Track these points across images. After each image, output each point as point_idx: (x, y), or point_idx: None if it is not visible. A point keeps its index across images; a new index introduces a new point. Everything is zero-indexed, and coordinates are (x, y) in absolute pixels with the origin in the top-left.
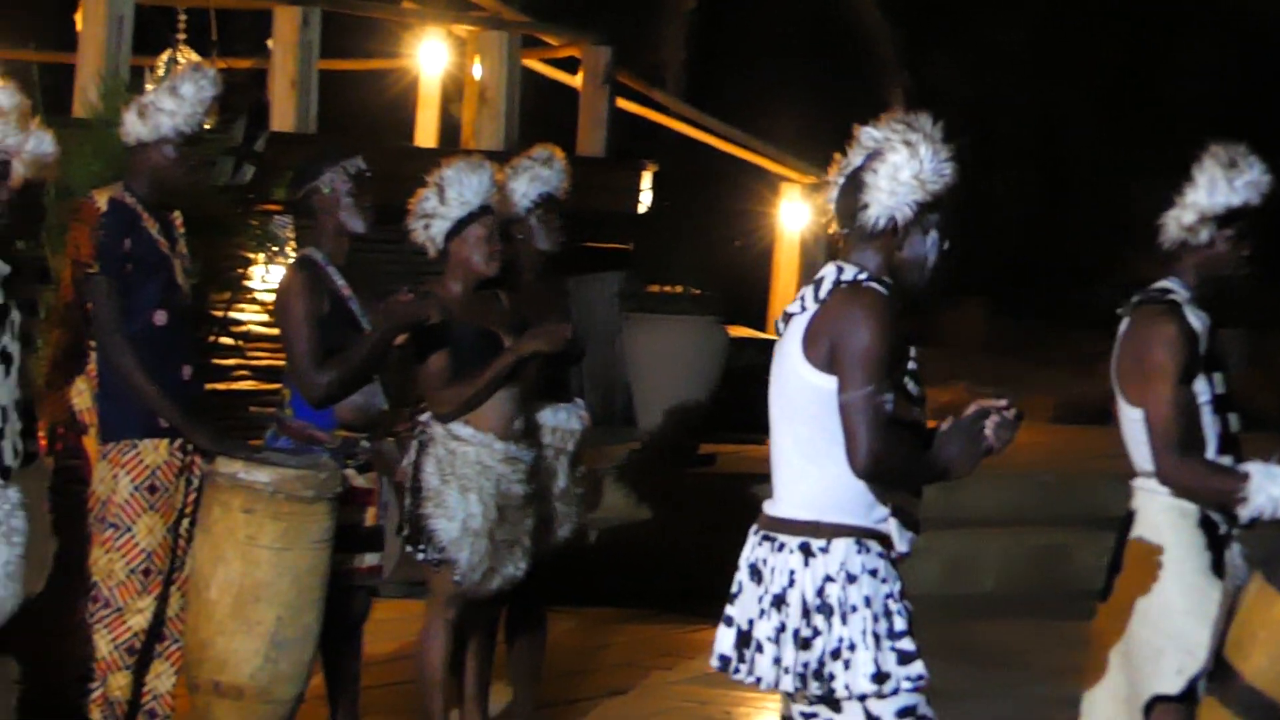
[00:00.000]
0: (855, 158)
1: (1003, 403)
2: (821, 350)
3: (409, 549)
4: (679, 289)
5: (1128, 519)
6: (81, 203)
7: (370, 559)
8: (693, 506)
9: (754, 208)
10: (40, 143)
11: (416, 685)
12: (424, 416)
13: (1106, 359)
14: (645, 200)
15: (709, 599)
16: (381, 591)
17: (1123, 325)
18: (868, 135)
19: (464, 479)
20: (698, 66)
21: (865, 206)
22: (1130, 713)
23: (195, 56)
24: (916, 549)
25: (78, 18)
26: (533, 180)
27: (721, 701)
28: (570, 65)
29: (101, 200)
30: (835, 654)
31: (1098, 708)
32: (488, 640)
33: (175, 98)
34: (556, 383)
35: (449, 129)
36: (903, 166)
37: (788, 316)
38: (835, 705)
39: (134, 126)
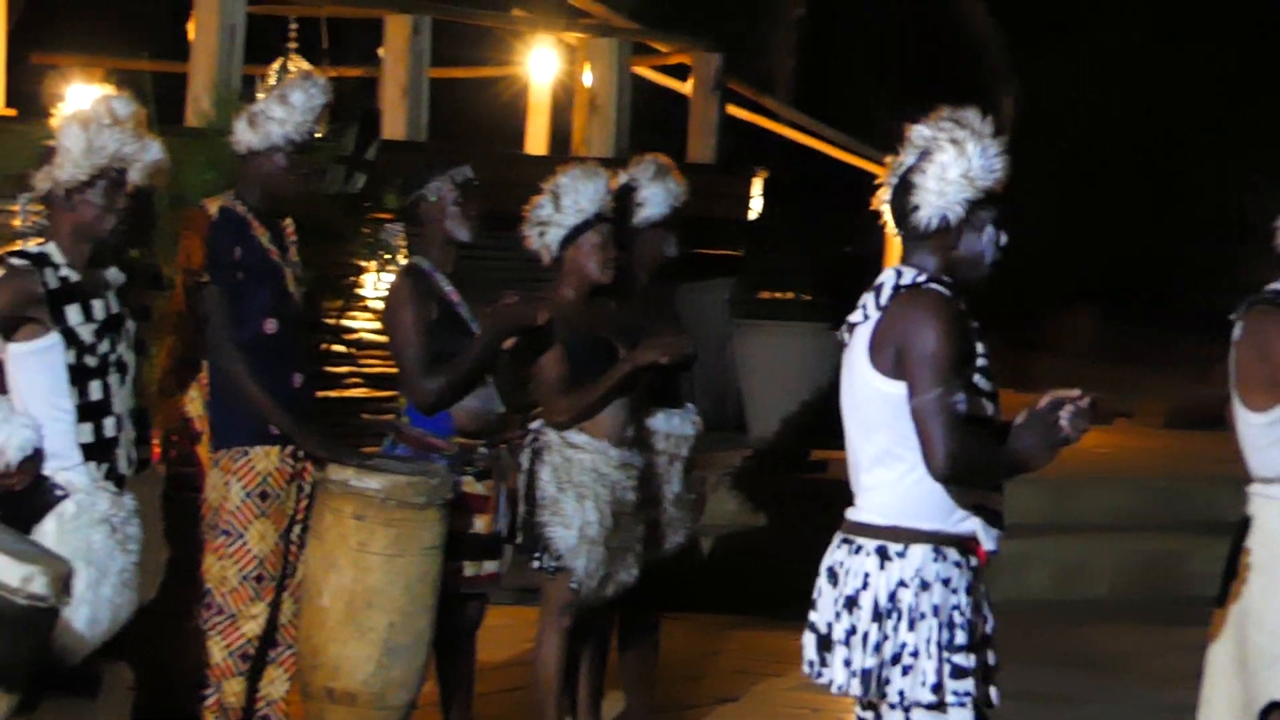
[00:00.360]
0: (907, 158)
1: (1076, 392)
2: (888, 357)
3: (523, 557)
4: (789, 295)
5: (1243, 525)
6: (193, 211)
7: (489, 566)
8: (803, 513)
9: (864, 214)
10: (154, 151)
11: (530, 692)
12: (538, 424)
13: (1219, 364)
14: (756, 207)
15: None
16: (494, 598)
17: (1236, 330)
18: (918, 134)
19: (580, 486)
20: (807, 72)
21: (916, 208)
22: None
23: (306, 65)
24: (1028, 555)
25: (190, 27)
26: (667, 191)
27: (832, 708)
28: (680, 72)
29: (212, 209)
30: (896, 659)
31: (1213, 714)
32: (601, 647)
33: (285, 106)
34: (669, 389)
35: (559, 136)
36: (950, 165)
37: (851, 326)
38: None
39: (244, 135)
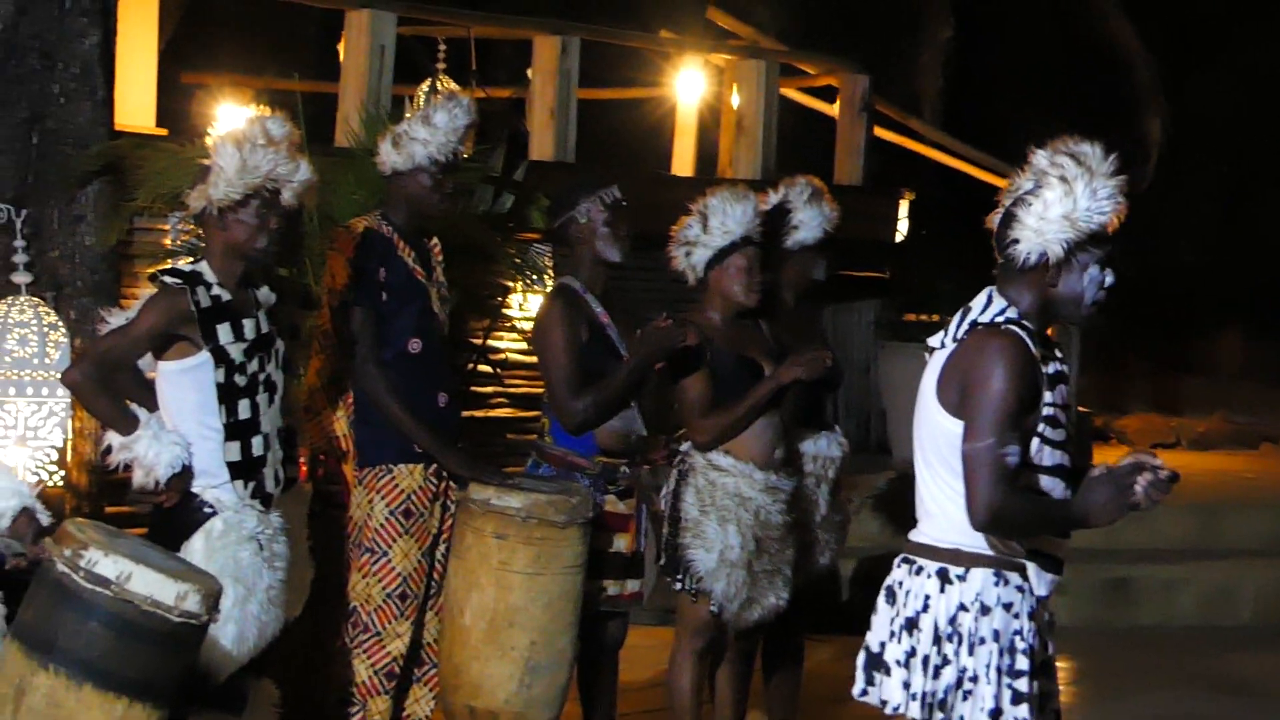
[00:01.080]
0: (1024, 183)
1: (1159, 462)
2: (952, 393)
3: (666, 578)
4: (935, 317)
5: None
6: (339, 231)
7: (631, 585)
8: None
9: None
10: (305, 171)
11: (667, 714)
12: (684, 446)
13: None
14: (902, 228)
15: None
16: (636, 618)
17: None
18: (1036, 163)
19: (723, 510)
20: (954, 93)
21: (1015, 241)
22: None
23: (455, 86)
24: (1175, 580)
25: (340, 48)
26: (822, 213)
27: None
28: (827, 93)
29: (358, 229)
30: (958, 684)
31: None
32: (744, 669)
33: (428, 127)
34: (816, 410)
35: (705, 157)
36: (1054, 204)
37: (931, 350)
38: None
39: (389, 155)
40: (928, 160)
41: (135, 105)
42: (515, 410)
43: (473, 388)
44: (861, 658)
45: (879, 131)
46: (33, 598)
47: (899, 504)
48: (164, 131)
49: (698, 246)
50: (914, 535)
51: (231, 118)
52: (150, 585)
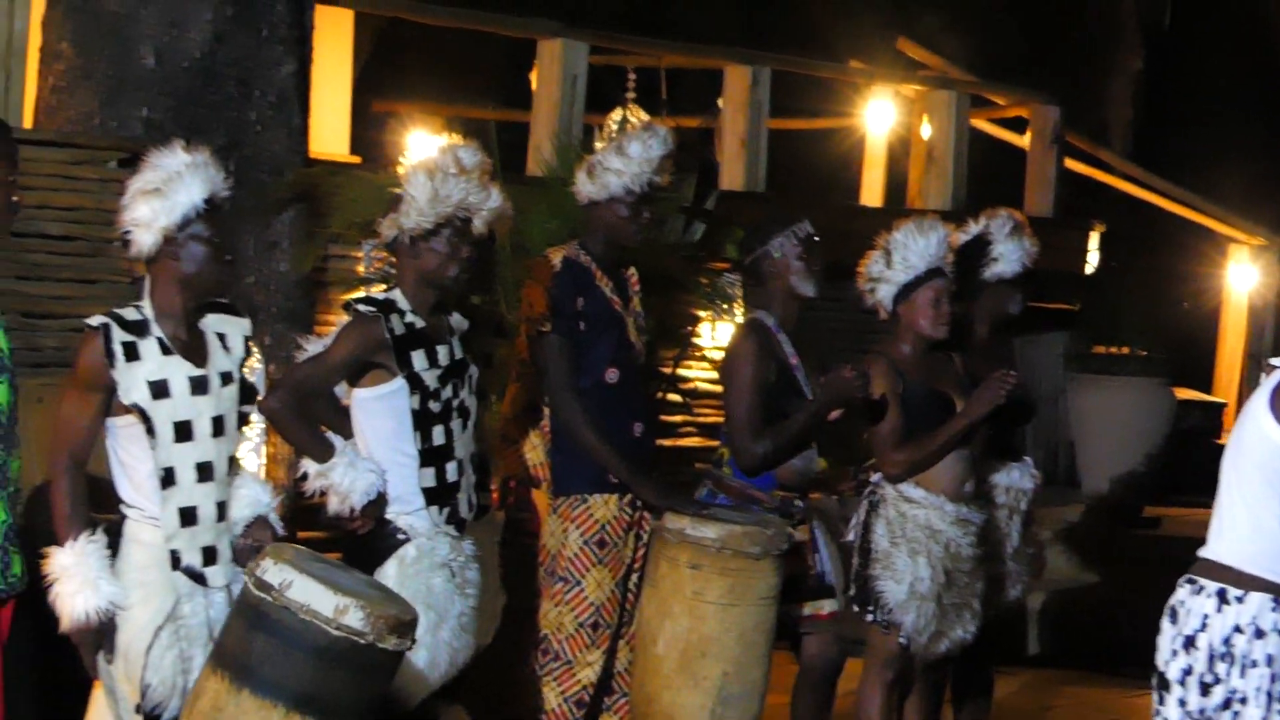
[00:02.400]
0: None
1: None
2: None
3: (856, 609)
4: (1125, 350)
5: None
6: (536, 261)
7: (827, 605)
8: (1136, 570)
9: (1201, 269)
10: (497, 200)
11: None
12: (875, 477)
13: None
14: (1092, 261)
15: (1152, 663)
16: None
17: None
18: None
19: (913, 542)
20: (1145, 125)
21: None
22: None
23: (645, 115)
24: None
25: (533, 77)
26: (1023, 247)
27: None
28: (1017, 124)
29: (555, 259)
30: (1225, 705)
31: None
32: (933, 700)
33: (623, 157)
34: (1008, 442)
35: (895, 188)
36: None
37: (1270, 367)
38: None
39: (584, 185)
40: (1117, 192)
41: (329, 133)
42: (704, 439)
43: (662, 417)
44: (1155, 678)
45: (1069, 163)
46: (230, 610)
47: (1087, 538)
48: (357, 159)
49: (883, 282)
50: (1201, 552)
51: (423, 146)
52: (309, 594)
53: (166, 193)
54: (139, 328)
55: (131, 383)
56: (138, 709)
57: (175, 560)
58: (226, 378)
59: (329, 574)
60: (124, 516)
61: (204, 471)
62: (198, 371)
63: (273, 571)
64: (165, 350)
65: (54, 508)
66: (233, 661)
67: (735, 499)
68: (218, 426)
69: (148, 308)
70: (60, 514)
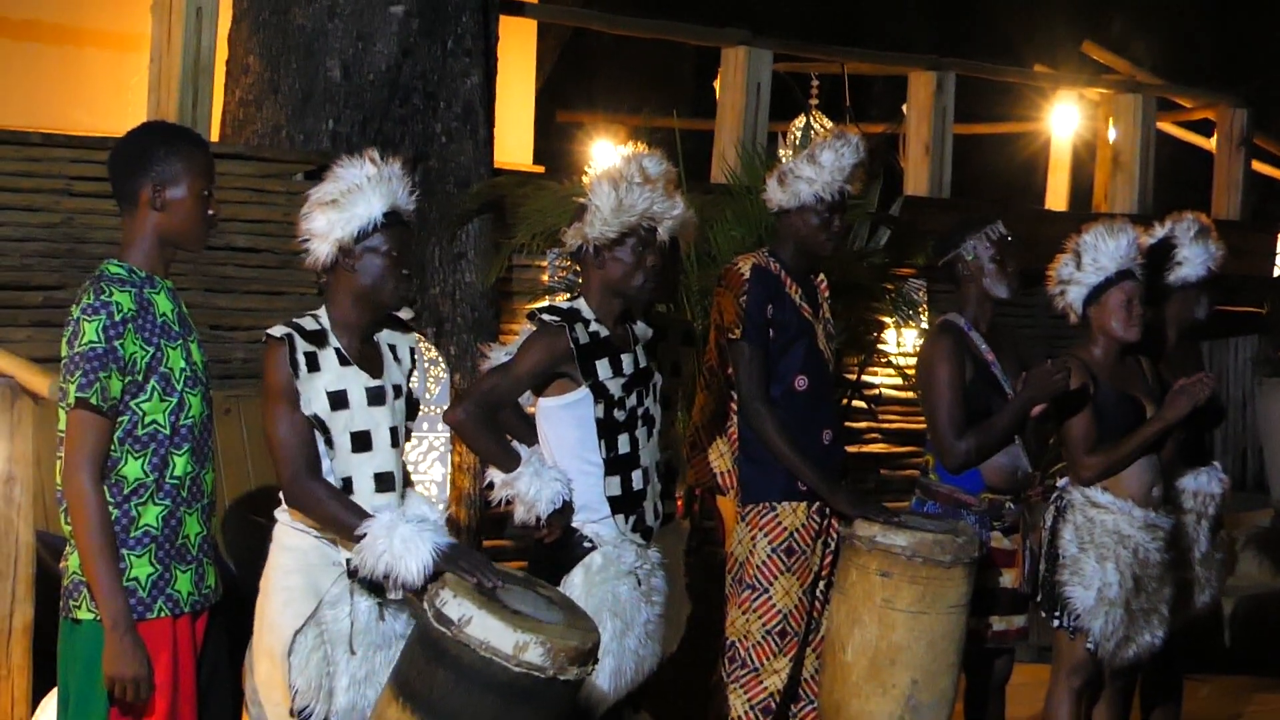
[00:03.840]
0: None
1: None
2: None
3: (1044, 615)
4: None
5: None
6: (725, 269)
7: (1017, 621)
8: None
9: None
10: (682, 209)
11: None
12: (1063, 482)
13: None
14: None
15: None
16: (1017, 655)
17: None
18: None
19: (1101, 547)
20: None
21: None
22: None
23: (829, 122)
24: None
25: (716, 85)
26: (1211, 250)
27: None
28: (1204, 127)
29: (745, 266)
30: None
31: None
32: (1122, 707)
33: (814, 165)
34: (1196, 446)
35: (1080, 192)
36: None
37: None
38: None
39: (775, 193)
40: None
41: (514, 144)
42: (889, 446)
43: (847, 423)
44: None
45: (1258, 166)
46: (410, 636)
47: (1278, 544)
48: (541, 169)
49: (1072, 284)
50: None
51: (607, 155)
52: (488, 631)
53: (344, 204)
54: (318, 338)
55: (312, 393)
56: (293, 713)
57: (352, 572)
58: (399, 390)
59: (509, 598)
60: (275, 520)
61: (382, 482)
62: (374, 382)
63: (452, 605)
64: (343, 361)
65: (328, 522)
66: (415, 693)
67: (944, 504)
68: (394, 437)
69: (325, 318)
70: (336, 519)
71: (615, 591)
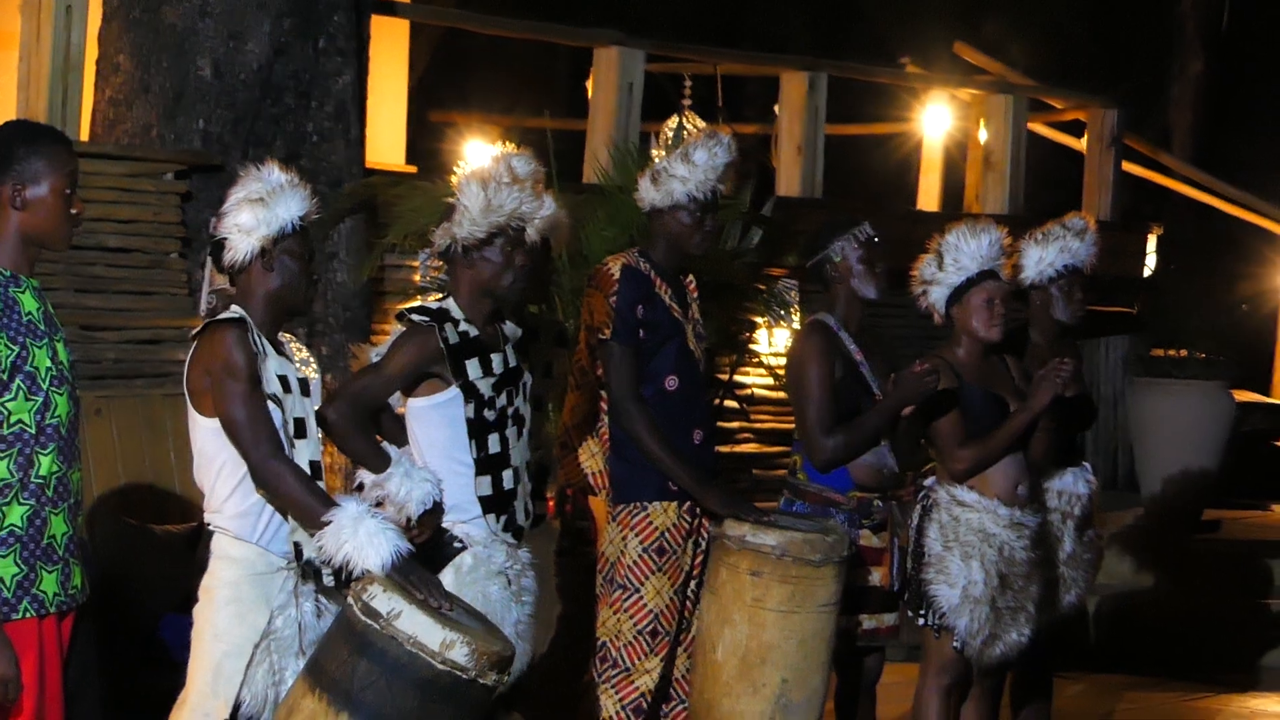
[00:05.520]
0: None
1: None
2: None
3: (910, 613)
4: (1185, 353)
5: None
6: (596, 269)
7: (888, 619)
8: (1196, 574)
9: (1261, 270)
10: (552, 209)
11: None
12: (929, 481)
13: None
14: (1150, 263)
15: (1212, 667)
16: (888, 654)
17: None
18: None
19: (966, 545)
20: (1207, 128)
21: None
22: None
23: (701, 122)
24: None
25: (589, 85)
26: (1061, 250)
27: None
28: (1076, 128)
29: (615, 267)
30: None
31: None
32: (991, 706)
33: (688, 164)
34: (1068, 446)
35: (952, 193)
36: None
37: None
38: None
39: (648, 192)
40: (1178, 195)
41: (386, 144)
42: (761, 445)
43: (719, 423)
44: None
45: (1129, 166)
46: (331, 627)
47: (1146, 542)
48: (413, 169)
49: (935, 284)
50: None
51: (479, 155)
52: (417, 626)
53: (270, 203)
54: (251, 328)
55: (267, 376)
56: None
57: (299, 552)
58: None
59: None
60: (211, 532)
61: (315, 470)
62: (302, 374)
63: (381, 599)
64: (278, 351)
65: (294, 504)
66: (333, 684)
67: (813, 504)
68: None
69: (245, 315)
70: (303, 502)
71: (485, 592)
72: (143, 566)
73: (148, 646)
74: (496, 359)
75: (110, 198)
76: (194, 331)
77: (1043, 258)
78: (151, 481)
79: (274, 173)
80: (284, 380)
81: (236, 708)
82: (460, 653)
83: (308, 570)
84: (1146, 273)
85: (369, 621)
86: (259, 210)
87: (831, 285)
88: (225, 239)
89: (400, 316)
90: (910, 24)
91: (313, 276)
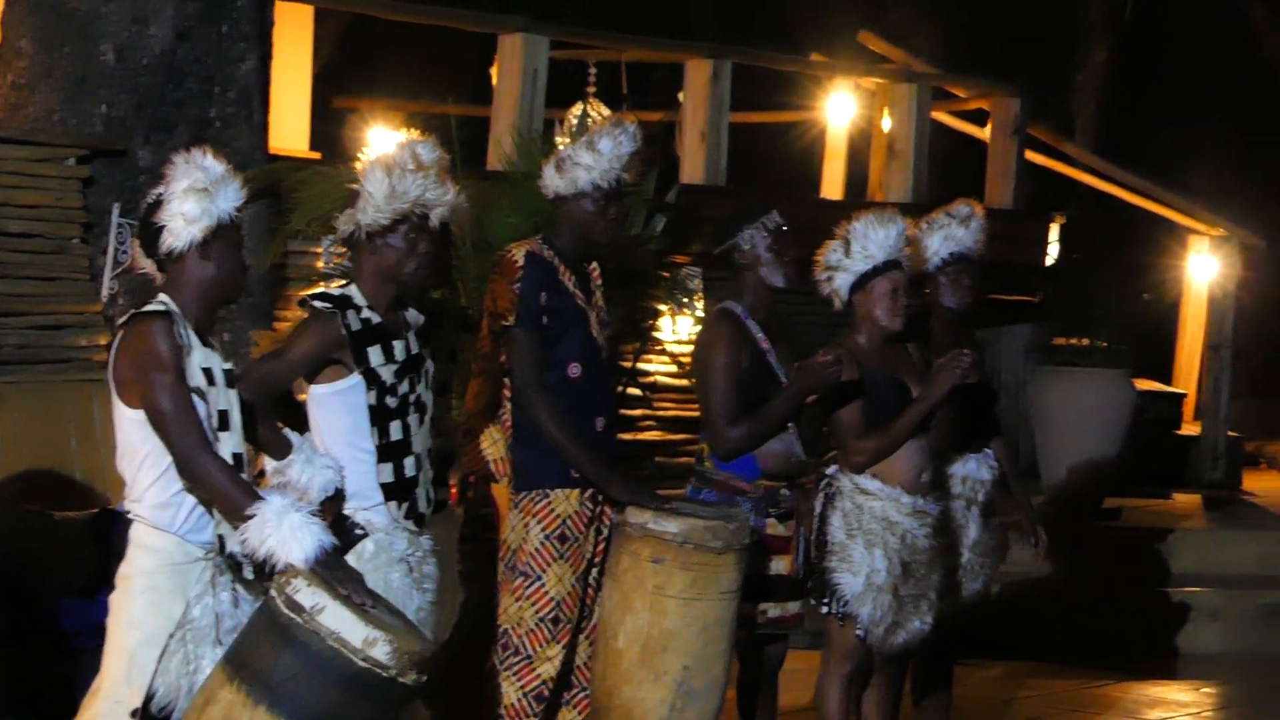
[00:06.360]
0: None
1: None
2: None
3: (813, 602)
4: (1087, 342)
5: None
6: (500, 256)
7: (792, 607)
8: (1097, 561)
9: (1163, 260)
10: (456, 196)
11: None
12: (832, 469)
13: None
14: (1053, 252)
15: (1114, 654)
16: (793, 642)
17: None
18: None
19: (869, 534)
20: (1112, 117)
21: None
22: None
23: (606, 110)
24: None
25: (493, 72)
26: (946, 239)
27: None
28: (979, 117)
29: (519, 254)
30: None
31: None
32: (893, 693)
33: (593, 153)
34: (970, 434)
35: (856, 181)
36: None
37: None
38: None
39: (552, 179)
40: (1081, 184)
41: (290, 129)
42: (664, 433)
43: (622, 411)
44: None
45: (1032, 155)
46: (252, 618)
47: (1047, 529)
48: (317, 155)
49: (840, 271)
50: None
51: (383, 142)
52: (340, 622)
53: (214, 194)
54: (179, 318)
55: (191, 368)
56: (135, 713)
57: (223, 545)
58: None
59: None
60: (130, 521)
61: (238, 461)
62: (227, 365)
63: (305, 593)
64: (204, 343)
65: (219, 497)
66: (254, 676)
67: (720, 491)
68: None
69: (171, 304)
70: (229, 495)
71: (387, 579)
72: (42, 553)
73: (47, 633)
74: (399, 346)
75: (12, 183)
76: (120, 321)
77: (929, 246)
78: (52, 467)
79: (212, 162)
80: (209, 373)
81: (150, 697)
82: (382, 651)
83: (230, 562)
84: (1049, 261)
85: (292, 615)
86: (204, 200)
87: (740, 273)
88: (164, 226)
89: (303, 303)
90: (816, 12)
91: (244, 266)
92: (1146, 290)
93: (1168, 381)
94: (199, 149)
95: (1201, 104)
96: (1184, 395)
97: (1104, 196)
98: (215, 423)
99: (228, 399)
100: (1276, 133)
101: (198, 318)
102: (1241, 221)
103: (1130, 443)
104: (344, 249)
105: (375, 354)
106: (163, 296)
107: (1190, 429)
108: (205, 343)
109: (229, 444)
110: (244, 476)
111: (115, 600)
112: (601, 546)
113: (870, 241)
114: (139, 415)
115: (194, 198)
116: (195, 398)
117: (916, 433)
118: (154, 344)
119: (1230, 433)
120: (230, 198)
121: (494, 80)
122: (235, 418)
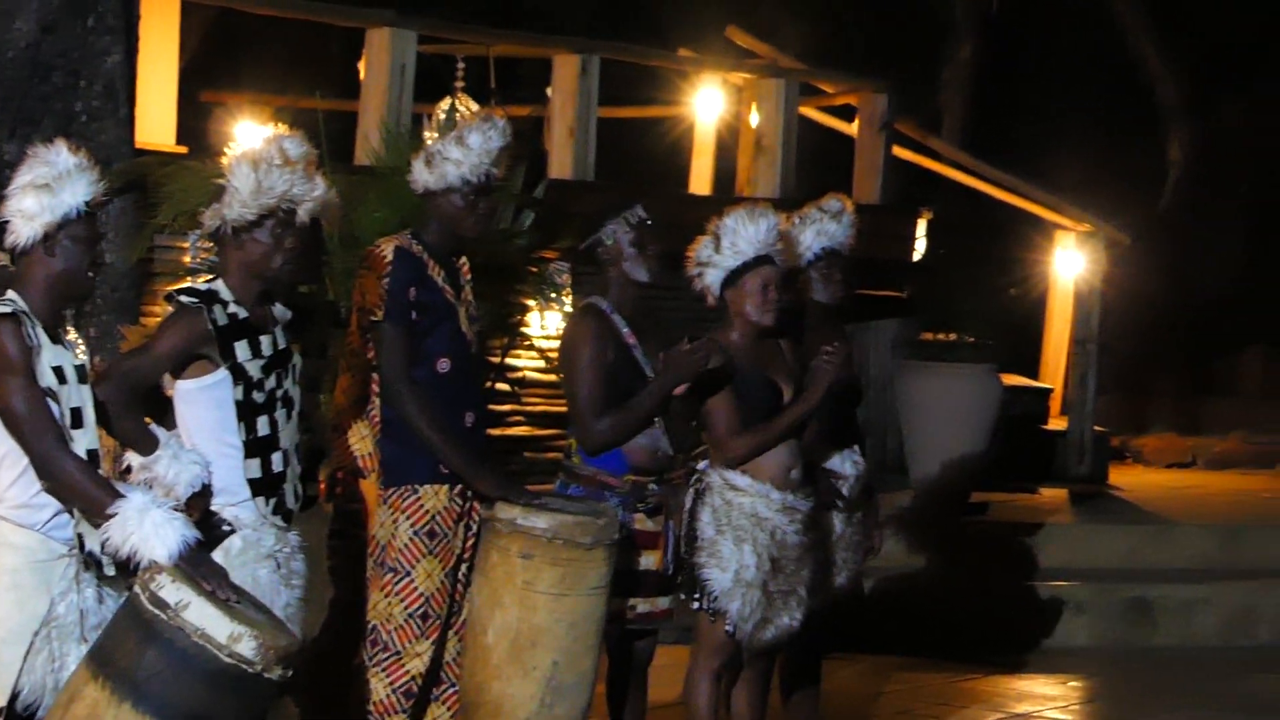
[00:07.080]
0: None
1: None
2: None
3: (683, 597)
4: (954, 337)
5: None
6: (368, 250)
7: (661, 603)
8: (965, 555)
9: (1029, 255)
10: (323, 191)
11: None
12: (702, 465)
13: None
14: (920, 247)
15: (983, 648)
16: (661, 637)
17: None
18: None
19: (739, 530)
20: (978, 113)
21: None
22: None
23: (474, 104)
24: (1195, 600)
25: (361, 66)
26: (818, 233)
27: None
28: (847, 113)
29: (388, 248)
30: None
31: None
32: (761, 688)
33: (462, 147)
34: (845, 429)
35: (724, 177)
36: None
37: None
38: None
39: (421, 174)
40: (948, 179)
41: (156, 123)
42: (533, 429)
43: (490, 406)
44: None
45: (900, 151)
46: (116, 615)
47: (915, 524)
48: (184, 150)
49: (711, 267)
50: None
51: (250, 136)
52: (205, 619)
53: (56, 190)
54: (27, 318)
55: (41, 368)
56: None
57: (82, 544)
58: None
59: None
60: None
61: (93, 458)
62: (79, 360)
63: (170, 589)
64: (53, 339)
65: (78, 496)
66: (118, 673)
67: (588, 487)
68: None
69: (20, 301)
70: (88, 494)
71: (255, 575)
72: None
73: None
74: (266, 341)
75: None
76: None
77: (801, 240)
78: None
79: (63, 156)
80: (59, 371)
81: (15, 695)
82: (247, 646)
83: (89, 560)
84: (916, 257)
85: (156, 611)
86: (44, 196)
87: (604, 268)
88: (7, 222)
89: (169, 298)
90: (684, 7)
91: (97, 261)
92: (1013, 285)
93: (1034, 376)
94: (58, 142)
95: (1067, 100)
96: (1050, 390)
97: (971, 192)
98: (69, 421)
99: (80, 396)
100: (1141, 129)
101: (47, 314)
102: (1107, 217)
103: (997, 438)
104: (210, 244)
105: (242, 349)
106: (11, 294)
107: (1057, 424)
108: (55, 339)
109: (83, 441)
110: (101, 472)
111: None
112: (471, 542)
113: (740, 237)
114: None
115: (33, 194)
116: (48, 398)
117: (793, 435)
118: (2, 346)
119: (1096, 428)
120: (79, 192)
121: (362, 75)
122: (89, 414)
